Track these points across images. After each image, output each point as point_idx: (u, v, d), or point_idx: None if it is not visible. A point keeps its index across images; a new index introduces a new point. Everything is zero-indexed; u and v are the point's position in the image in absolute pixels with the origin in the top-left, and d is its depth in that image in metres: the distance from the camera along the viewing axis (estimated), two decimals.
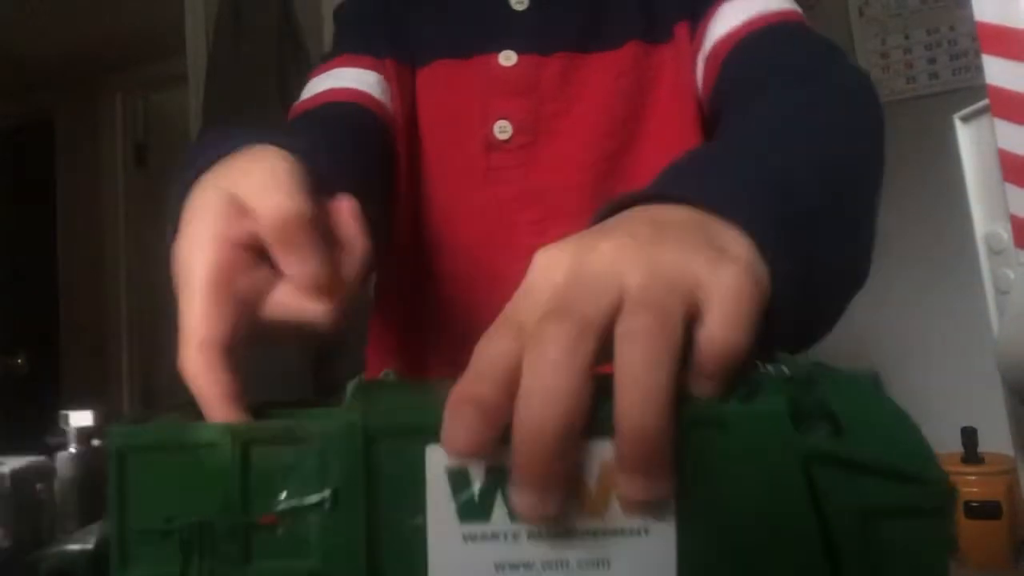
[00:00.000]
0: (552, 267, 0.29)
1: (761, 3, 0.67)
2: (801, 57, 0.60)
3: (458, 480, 0.26)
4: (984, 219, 0.44)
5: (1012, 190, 0.38)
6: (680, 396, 0.25)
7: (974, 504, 0.47)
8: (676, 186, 0.34)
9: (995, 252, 0.43)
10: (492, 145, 0.72)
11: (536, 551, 0.26)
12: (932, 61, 1.76)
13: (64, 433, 0.36)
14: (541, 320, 0.26)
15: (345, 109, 0.70)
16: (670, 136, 0.71)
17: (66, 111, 3.20)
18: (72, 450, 0.35)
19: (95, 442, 0.36)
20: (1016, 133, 0.38)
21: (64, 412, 0.35)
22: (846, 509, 0.25)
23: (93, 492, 0.35)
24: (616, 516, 0.26)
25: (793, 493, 0.25)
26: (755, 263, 0.30)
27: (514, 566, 0.26)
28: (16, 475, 0.32)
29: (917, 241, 1.70)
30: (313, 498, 0.26)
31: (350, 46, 0.76)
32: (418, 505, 0.26)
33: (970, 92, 0.43)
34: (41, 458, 0.33)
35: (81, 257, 3.14)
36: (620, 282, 0.27)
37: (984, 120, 0.42)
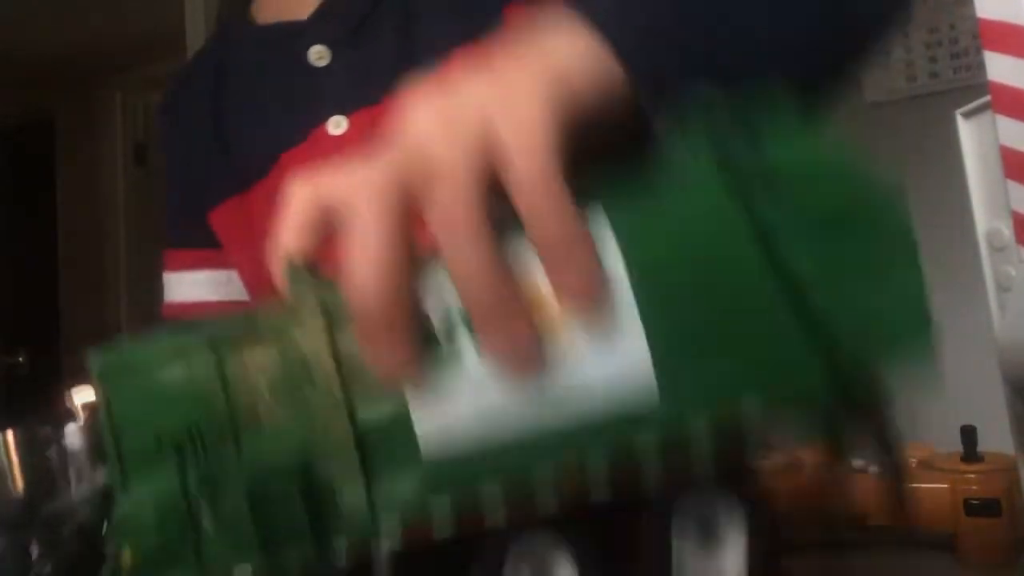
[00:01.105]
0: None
1: None
2: None
3: None
4: (986, 216, 0.44)
5: (1014, 187, 0.38)
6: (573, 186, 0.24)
7: (974, 502, 0.47)
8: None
9: (997, 249, 0.43)
10: None
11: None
12: (933, 60, 1.76)
13: (69, 410, 0.37)
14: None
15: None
16: None
17: (66, 111, 3.20)
18: (79, 423, 0.36)
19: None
20: (1018, 129, 0.38)
21: (68, 390, 0.37)
22: (784, 220, 0.24)
23: (99, 461, 0.36)
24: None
25: (723, 215, 0.24)
26: (569, 49, 0.28)
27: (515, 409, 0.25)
28: (24, 440, 0.33)
29: (918, 238, 1.69)
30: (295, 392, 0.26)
31: (182, 238, 0.68)
32: None
33: (970, 91, 0.43)
34: (47, 427, 0.35)
35: (81, 257, 3.14)
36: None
37: (986, 116, 0.42)
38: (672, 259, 0.24)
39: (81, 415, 0.36)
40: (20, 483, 0.33)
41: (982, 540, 0.47)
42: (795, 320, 0.23)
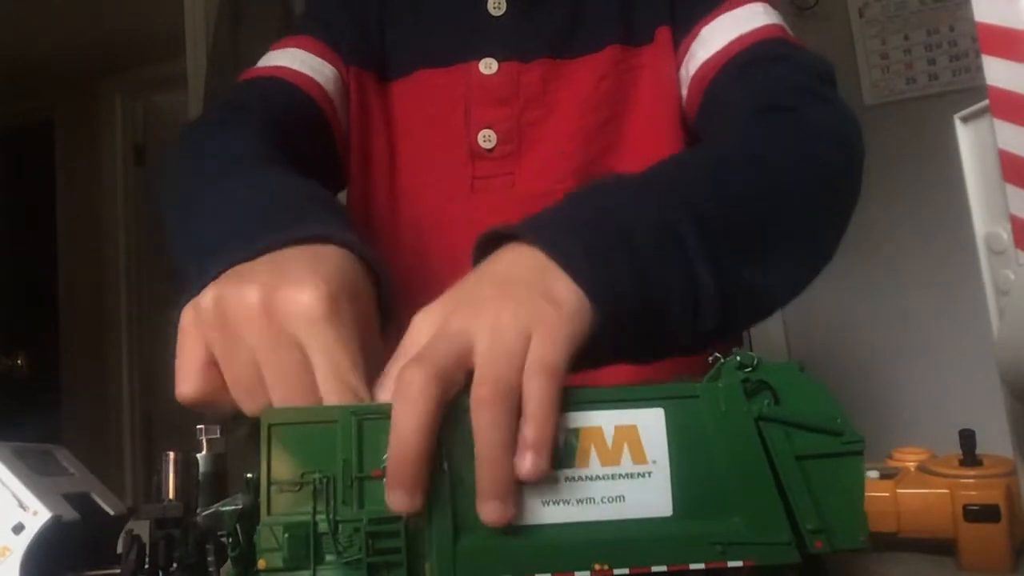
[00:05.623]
0: (422, 328, 0.39)
1: (744, 21, 0.67)
2: (778, 87, 0.61)
3: None
4: (984, 219, 0.44)
5: (1012, 191, 0.38)
6: (668, 381, 0.37)
7: (973, 507, 0.47)
8: (532, 231, 0.42)
9: (995, 253, 0.42)
10: (477, 154, 0.72)
11: (571, 491, 0.35)
12: (932, 62, 1.76)
13: (200, 441, 0.46)
14: (405, 366, 0.35)
15: (293, 96, 0.69)
16: (650, 136, 0.72)
17: (66, 111, 3.20)
18: (205, 452, 0.46)
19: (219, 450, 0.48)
20: (1017, 134, 0.38)
21: (200, 427, 0.47)
22: (786, 454, 0.36)
23: (220, 483, 0.46)
24: (627, 464, 0.35)
25: (749, 443, 0.36)
26: (576, 304, 0.39)
27: (555, 502, 0.35)
28: (182, 460, 0.43)
29: (917, 241, 1.70)
30: None
31: (318, 31, 0.75)
32: None
33: (970, 93, 0.43)
34: (192, 452, 0.45)
35: (81, 257, 3.14)
36: (470, 342, 0.36)
37: (984, 120, 0.42)
38: (700, 444, 0.36)
39: (206, 448, 0.46)
40: (173, 493, 0.43)
41: (981, 546, 0.47)
42: (777, 499, 0.35)
